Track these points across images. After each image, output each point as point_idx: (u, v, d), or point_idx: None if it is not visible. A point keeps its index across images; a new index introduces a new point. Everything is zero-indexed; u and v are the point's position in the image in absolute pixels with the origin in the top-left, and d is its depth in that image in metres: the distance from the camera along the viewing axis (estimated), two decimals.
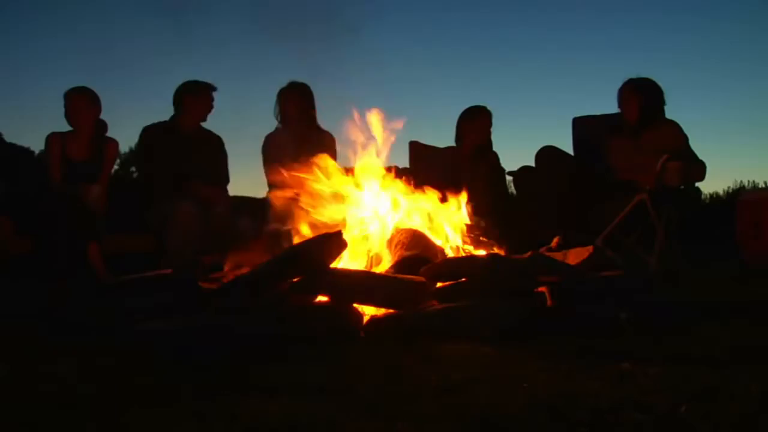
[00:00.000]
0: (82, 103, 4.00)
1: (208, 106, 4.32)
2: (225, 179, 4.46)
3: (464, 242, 3.18)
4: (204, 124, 4.38)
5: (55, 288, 3.44)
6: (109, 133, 4.19)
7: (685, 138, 4.13)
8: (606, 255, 3.60)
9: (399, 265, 2.82)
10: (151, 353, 2.13)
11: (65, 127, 4.05)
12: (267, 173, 4.42)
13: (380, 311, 2.54)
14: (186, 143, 4.21)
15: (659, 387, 1.56)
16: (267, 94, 4.61)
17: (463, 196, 3.31)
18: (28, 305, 3.07)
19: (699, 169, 4.01)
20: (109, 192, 4.07)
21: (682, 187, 3.97)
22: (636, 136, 4.20)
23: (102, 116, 4.13)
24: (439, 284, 2.66)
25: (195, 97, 4.25)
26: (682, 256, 3.83)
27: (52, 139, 4.00)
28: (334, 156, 4.36)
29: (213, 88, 4.30)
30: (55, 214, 3.57)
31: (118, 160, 12.08)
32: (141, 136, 4.30)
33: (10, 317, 2.75)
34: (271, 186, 4.37)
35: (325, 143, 4.45)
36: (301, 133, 4.38)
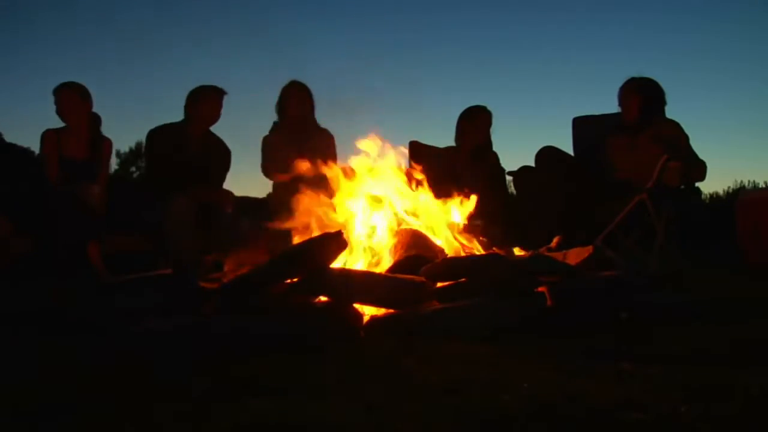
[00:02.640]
0: (73, 98, 3.96)
1: (215, 113, 4.22)
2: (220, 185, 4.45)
3: (464, 242, 3.18)
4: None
5: (55, 288, 3.43)
6: (111, 134, 4.18)
7: (686, 138, 4.13)
8: (606, 255, 3.60)
9: (399, 265, 2.82)
10: (151, 353, 2.13)
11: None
12: (268, 174, 4.43)
13: (380, 311, 2.54)
14: (192, 148, 4.18)
15: (659, 387, 1.56)
16: (267, 94, 4.63)
17: (464, 196, 3.31)
18: (28, 305, 3.07)
19: (699, 170, 4.01)
20: (108, 191, 4.05)
21: (682, 187, 3.97)
22: (636, 135, 4.20)
23: (105, 116, 4.12)
24: (439, 284, 2.66)
25: (201, 104, 4.17)
26: (682, 256, 3.83)
27: (47, 136, 3.94)
28: (333, 154, 4.37)
29: (220, 93, 4.19)
30: (55, 214, 3.57)
31: (117, 160, 12.09)
32: (147, 137, 4.29)
33: (10, 316, 2.75)
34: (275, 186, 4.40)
35: (324, 142, 4.46)
36: (299, 132, 4.38)
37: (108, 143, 4.14)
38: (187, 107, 4.20)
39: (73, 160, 3.96)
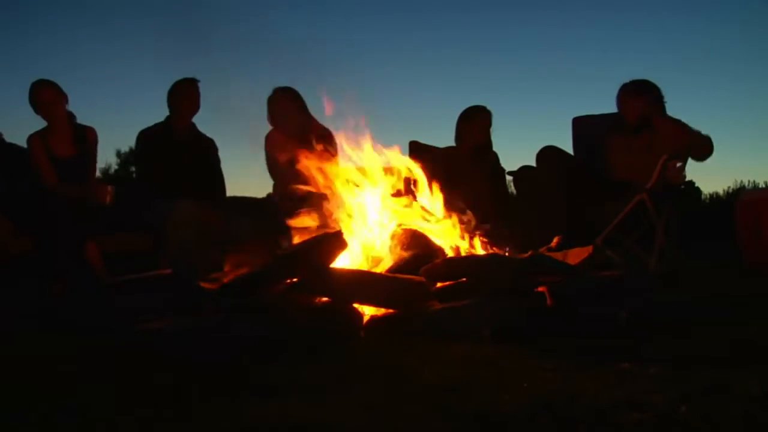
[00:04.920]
0: (56, 95, 3.91)
1: (194, 102, 4.28)
2: (221, 183, 4.46)
3: (464, 242, 3.18)
4: (205, 122, 4.38)
5: (54, 288, 3.43)
6: (110, 133, 4.19)
7: (684, 124, 4.11)
8: (606, 255, 3.59)
9: (399, 265, 2.82)
10: (151, 353, 2.13)
11: None
12: (273, 177, 4.45)
13: (380, 311, 2.54)
14: (181, 145, 4.22)
15: (659, 387, 1.56)
16: (266, 94, 4.62)
17: (464, 197, 3.31)
18: (27, 305, 3.07)
19: (706, 144, 4.01)
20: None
21: (683, 186, 3.98)
22: (636, 135, 4.21)
23: (104, 116, 4.13)
24: (439, 284, 2.66)
25: (179, 98, 4.23)
26: (682, 255, 3.84)
27: (34, 141, 3.87)
28: (334, 152, 4.37)
29: (194, 82, 4.24)
30: (54, 214, 3.56)
31: (117, 160, 12.08)
32: (137, 139, 4.31)
33: (10, 317, 2.75)
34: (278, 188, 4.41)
35: (325, 140, 4.46)
36: (298, 133, 4.39)
37: (92, 132, 4.10)
38: (169, 104, 4.27)
39: (62, 159, 3.91)
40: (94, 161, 4.16)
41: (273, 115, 4.52)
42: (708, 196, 8.36)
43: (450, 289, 2.62)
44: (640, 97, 4.19)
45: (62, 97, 3.95)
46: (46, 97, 3.88)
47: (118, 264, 3.67)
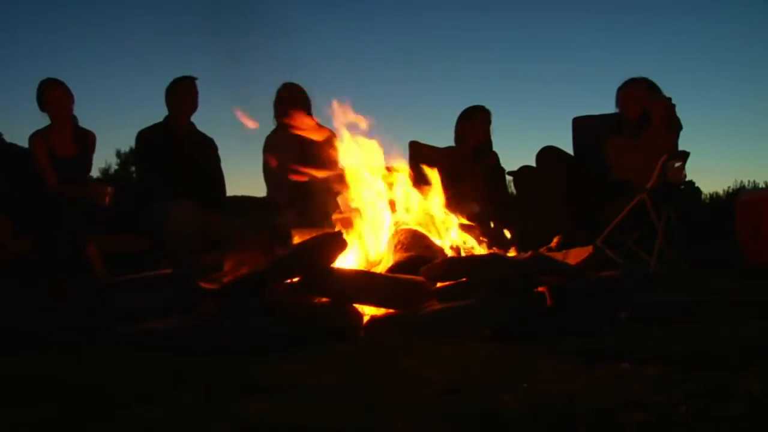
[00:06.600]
0: (63, 93, 3.95)
1: (193, 100, 4.28)
2: (221, 183, 4.46)
3: (464, 242, 3.18)
4: (206, 122, 4.38)
5: (55, 288, 3.43)
6: (109, 133, 4.21)
7: (672, 135, 4.12)
8: (606, 255, 3.60)
9: (399, 265, 2.82)
10: (151, 353, 2.13)
11: None
12: (267, 180, 4.44)
13: (380, 311, 2.54)
14: (180, 144, 4.22)
15: (659, 387, 1.56)
16: (268, 93, 4.63)
17: (464, 196, 3.32)
18: (27, 305, 3.07)
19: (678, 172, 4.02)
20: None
21: (682, 186, 3.98)
22: (635, 135, 4.21)
23: (107, 116, 4.14)
24: (439, 284, 2.66)
25: (177, 96, 4.24)
26: (682, 256, 3.84)
27: (36, 140, 3.89)
28: (335, 154, 4.37)
29: (191, 80, 4.25)
30: (54, 214, 3.56)
31: (117, 160, 12.10)
32: (136, 140, 4.31)
33: (10, 317, 2.75)
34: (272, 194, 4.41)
35: (326, 141, 4.46)
36: (301, 132, 4.39)
37: (93, 136, 4.14)
38: (167, 103, 4.27)
39: (63, 158, 3.93)
40: (90, 164, 4.18)
41: (279, 110, 4.52)
42: (708, 196, 8.37)
43: (450, 289, 2.62)
44: (641, 90, 4.20)
45: (71, 97, 4.00)
46: (56, 95, 3.92)
47: (118, 264, 3.67)
